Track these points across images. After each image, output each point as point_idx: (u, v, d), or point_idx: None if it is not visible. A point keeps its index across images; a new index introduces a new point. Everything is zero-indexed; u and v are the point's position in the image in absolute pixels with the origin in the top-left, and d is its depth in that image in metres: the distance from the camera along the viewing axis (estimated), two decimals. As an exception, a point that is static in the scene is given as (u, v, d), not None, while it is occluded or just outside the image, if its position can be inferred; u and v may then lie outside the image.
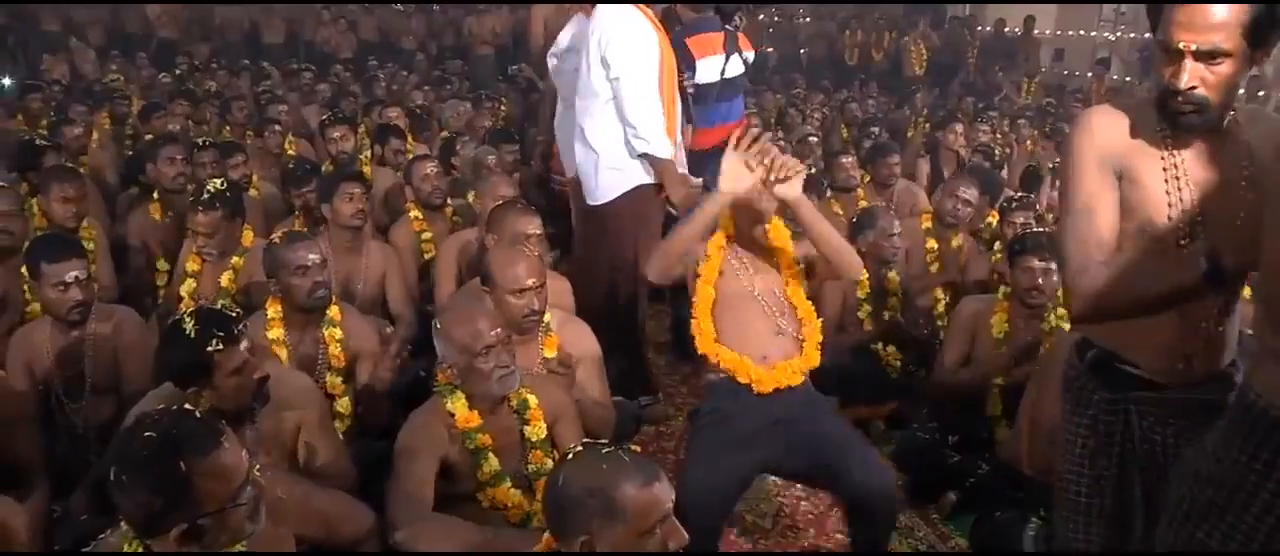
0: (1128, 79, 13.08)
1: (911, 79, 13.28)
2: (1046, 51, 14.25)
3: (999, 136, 8.47)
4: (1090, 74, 12.86)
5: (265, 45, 13.34)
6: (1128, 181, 2.07)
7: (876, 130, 8.01)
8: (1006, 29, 14.77)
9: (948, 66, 14.11)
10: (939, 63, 14.10)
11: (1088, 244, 2.05)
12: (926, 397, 4.23)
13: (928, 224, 5.05)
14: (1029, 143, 8.60)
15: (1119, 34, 14.30)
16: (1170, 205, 2.05)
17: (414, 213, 4.93)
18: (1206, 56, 1.92)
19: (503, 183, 4.62)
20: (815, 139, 7.40)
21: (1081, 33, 14.81)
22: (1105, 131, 2.10)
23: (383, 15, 14.20)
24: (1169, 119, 2.01)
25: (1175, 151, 2.06)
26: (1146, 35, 13.26)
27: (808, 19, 15.91)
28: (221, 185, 4.12)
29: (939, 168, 6.97)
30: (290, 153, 6.37)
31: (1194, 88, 1.94)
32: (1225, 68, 1.93)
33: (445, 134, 6.86)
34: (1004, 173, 6.97)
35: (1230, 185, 2.03)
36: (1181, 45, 1.92)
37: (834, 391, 4.25)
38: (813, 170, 5.45)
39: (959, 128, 7.25)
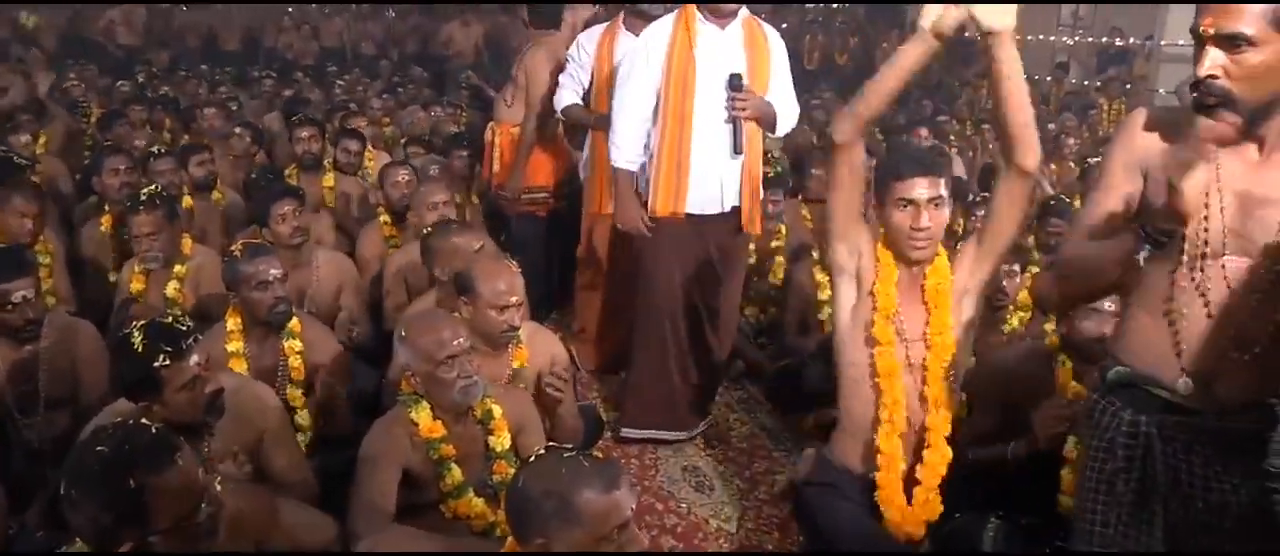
0: (1086, 82, 13.21)
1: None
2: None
3: (963, 139, 8.53)
4: (1050, 77, 12.98)
5: (224, 52, 13.20)
6: (1154, 181, 1.97)
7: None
8: (967, 33, 14.87)
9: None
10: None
11: (1078, 229, 2.05)
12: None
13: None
14: (992, 144, 8.66)
15: (1078, 38, 14.43)
16: (1206, 218, 1.92)
17: (384, 218, 4.90)
18: (1228, 43, 1.82)
19: (436, 190, 4.56)
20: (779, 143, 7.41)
21: (1041, 37, 14.93)
22: (1142, 130, 2.05)
23: (344, 21, 14.09)
24: (1198, 114, 1.89)
25: (1213, 155, 1.92)
26: (1105, 38, 13.46)
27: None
28: (156, 189, 4.12)
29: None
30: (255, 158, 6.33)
31: (1214, 77, 1.83)
32: (1252, 58, 1.81)
33: (404, 141, 6.82)
34: (961, 172, 7.01)
35: (1275, 197, 1.89)
36: (1202, 30, 1.84)
37: (799, 393, 4.30)
38: (780, 171, 5.43)
39: (923, 132, 7.30)
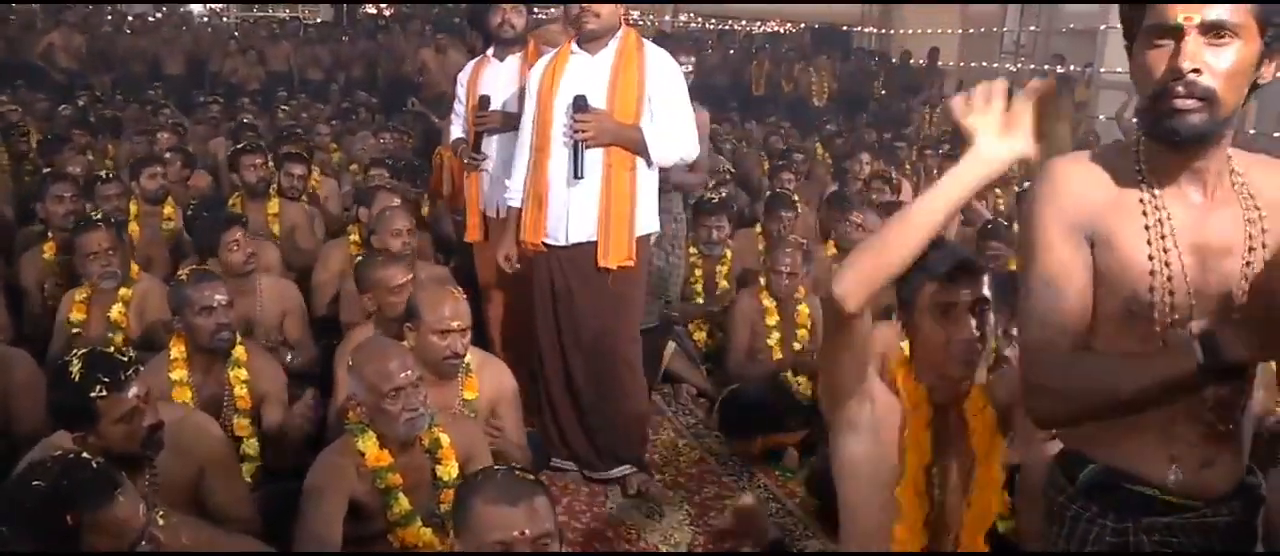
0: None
1: (821, 110, 13.49)
2: (950, 83, 14.63)
3: (908, 166, 8.64)
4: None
5: (168, 76, 13.05)
6: (1103, 246, 1.63)
7: (799, 158, 8.08)
8: (912, 60, 15.12)
9: (855, 97, 14.37)
10: (846, 93, 14.35)
11: (1050, 326, 1.62)
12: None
13: (832, 251, 5.15)
14: (936, 171, 8.78)
15: (1020, 65, 14.74)
16: (1153, 273, 1.60)
17: (354, 238, 4.87)
18: (1212, 31, 1.52)
19: (400, 217, 4.51)
20: (729, 169, 7.47)
21: (984, 64, 15.23)
22: (1072, 184, 1.66)
23: (291, 46, 13.99)
24: (1161, 131, 1.55)
25: (1159, 204, 1.62)
26: (1047, 65, 13.72)
27: (711, 49, 16.07)
28: (100, 216, 4.06)
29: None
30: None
31: (1198, 71, 1.50)
32: (1230, 54, 1.52)
33: (354, 167, 6.78)
34: (906, 195, 7.09)
35: (1232, 244, 1.61)
36: (1180, 19, 1.51)
37: (747, 419, 4.33)
38: (725, 196, 5.46)
39: (865, 157, 7.39)
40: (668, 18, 18.93)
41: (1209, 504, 1.67)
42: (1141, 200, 1.62)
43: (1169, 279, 1.60)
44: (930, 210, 1.85)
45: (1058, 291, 1.63)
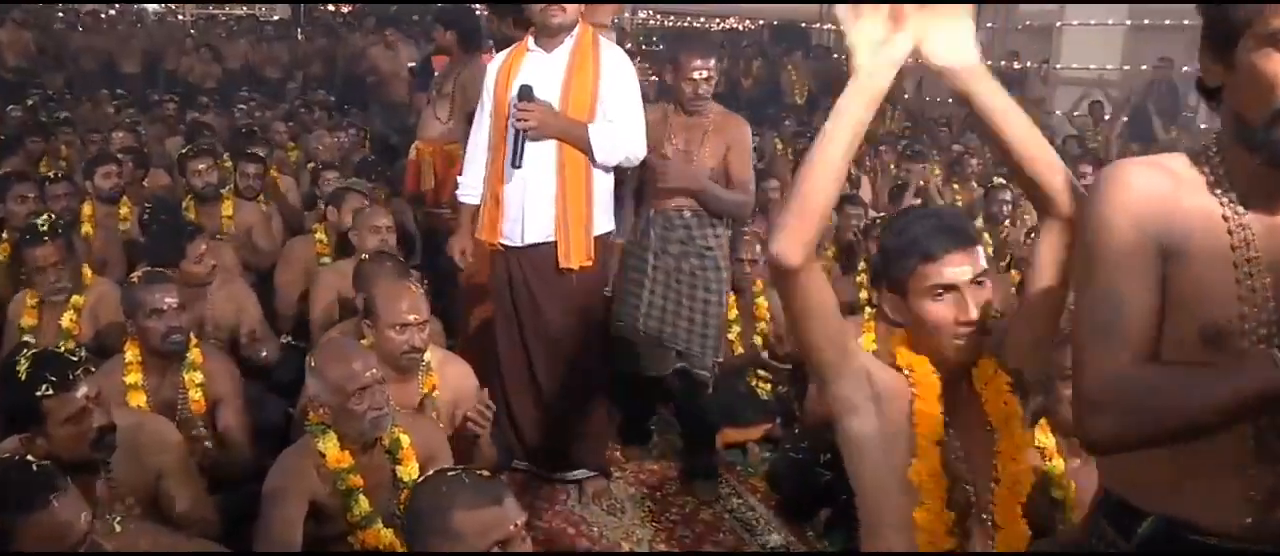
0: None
1: (780, 106, 13.54)
2: (909, 80, 14.74)
3: (866, 160, 8.69)
4: (952, 100, 13.35)
5: (123, 75, 12.87)
6: (1179, 262, 1.47)
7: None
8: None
9: (814, 93, 14.43)
10: (806, 89, 14.40)
11: (1112, 342, 1.46)
12: (800, 421, 4.27)
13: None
14: (892, 166, 8.84)
15: (977, 61, 14.90)
16: (1241, 298, 1.44)
17: (320, 236, 4.86)
18: None
19: (379, 214, 4.52)
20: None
21: (941, 61, 15.35)
22: (1147, 191, 1.49)
23: (248, 43, 13.85)
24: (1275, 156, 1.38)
25: (1244, 223, 1.46)
26: (1002, 63, 13.85)
27: (663, 45, 16.07)
28: (52, 218, 3.98)
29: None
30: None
31: None
32: None
33: (312, 165, 6.73)
34: (865, 193, 7.12)
35: None
36: None
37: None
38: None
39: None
40: (627, 15, 18.92)
41: (1275, 545, 1.48)
42: (1225, 217, 1.46)
43: (1255, 304, 1.44)
44: (834, 142, 1.72)
45: (1123, 305, 1.48)
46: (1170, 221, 1.47)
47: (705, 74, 3.88)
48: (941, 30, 1.71)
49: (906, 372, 1.99)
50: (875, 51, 1.67)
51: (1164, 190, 1.49)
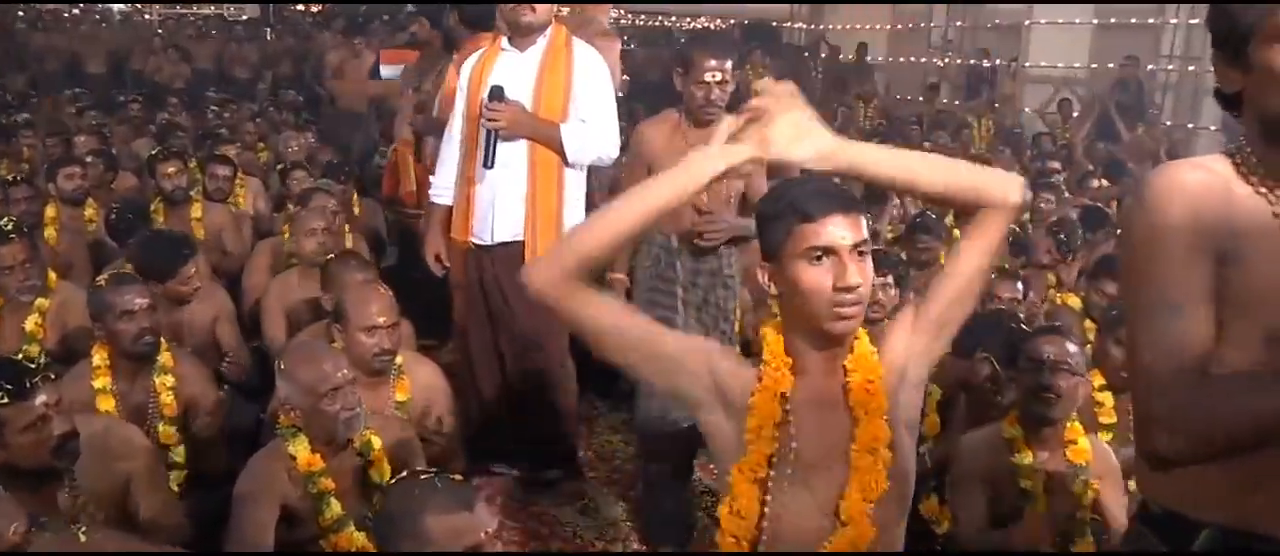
0: (955, 101, 13.68)
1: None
2: (879, 78, 14.82)
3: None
4: (922, 98, 13.44)
5: (88, 75, 12.73)
6: (1236, 266, 1.43)
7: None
8: (841, 56, 15.26)
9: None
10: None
11: (1174, 355, 1.42)
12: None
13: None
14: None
15: (947, 60, 14.96)
16: None
17: (288, 237, 4.78)
18: None
19: (314, 215, 4.48)
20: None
21: (912, 59, 15.44)
22: (1198, 195, 1.44)
23: (216, 44, 13.74)
24: None
25: None
26: (972, 61, 13.96)
27: (634, 45, 16.07)
28: (11, 222, 3.90)
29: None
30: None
31: None
32: None
33: (281, 166, 6.69)
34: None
35: None
36: None
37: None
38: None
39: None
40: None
41: None
42: (1276, 214, 1.44)
43: None
44: (626, 210, 1.76)
45: (1182, 315, 1.43)
46: (1224, 225, 1.43)
47: (719, 77, 3.52)
48: (783, 130, 1.75)
49: (765, 364, 1.87)
50: (706, 156, 1.76)
51: (1216, 193, 1.45)
